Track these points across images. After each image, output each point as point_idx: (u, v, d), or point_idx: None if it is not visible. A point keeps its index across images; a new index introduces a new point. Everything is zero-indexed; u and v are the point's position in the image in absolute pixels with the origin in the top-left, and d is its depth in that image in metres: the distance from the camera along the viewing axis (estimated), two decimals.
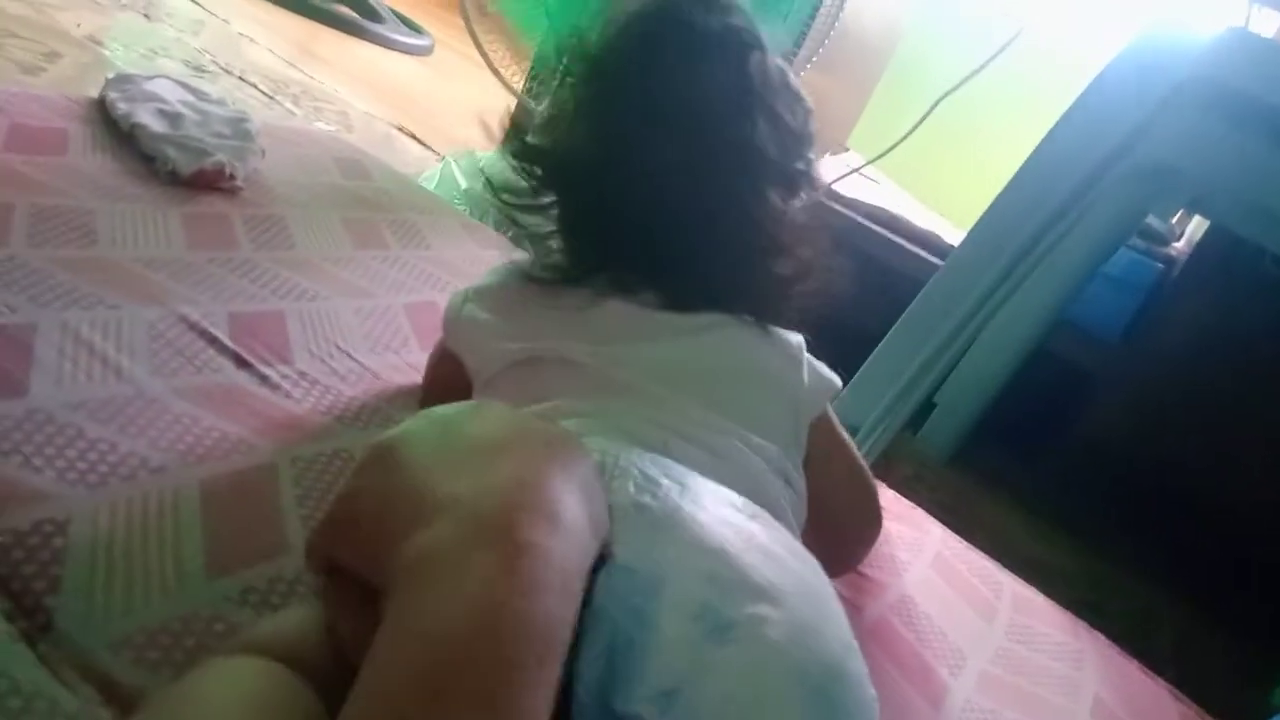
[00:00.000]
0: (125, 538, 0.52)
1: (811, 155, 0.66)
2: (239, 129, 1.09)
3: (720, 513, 0.49)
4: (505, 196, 0.66)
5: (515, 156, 0.64)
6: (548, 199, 0.65)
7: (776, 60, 0.65)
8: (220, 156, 1.00)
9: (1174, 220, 1.68)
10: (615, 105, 0.61)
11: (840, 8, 1.48)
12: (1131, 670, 0.97)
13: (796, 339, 0.66)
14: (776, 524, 0.52)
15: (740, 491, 0.53)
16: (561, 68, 0.66)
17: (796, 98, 0.65)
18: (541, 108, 0.66)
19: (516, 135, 0.65)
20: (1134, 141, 1.02)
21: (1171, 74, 0.98)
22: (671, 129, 0.60)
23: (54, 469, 0.54)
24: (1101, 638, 1.00)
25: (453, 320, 0.67)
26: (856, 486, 0.74)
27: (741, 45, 0.63)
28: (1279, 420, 1.49)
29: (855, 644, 0.48)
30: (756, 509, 0.52)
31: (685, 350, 0.61)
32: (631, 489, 0.47)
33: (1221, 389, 1.51)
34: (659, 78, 0.61)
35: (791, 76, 0.65)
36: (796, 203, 0.65)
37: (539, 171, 0.64)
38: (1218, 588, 1.44)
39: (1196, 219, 1.76)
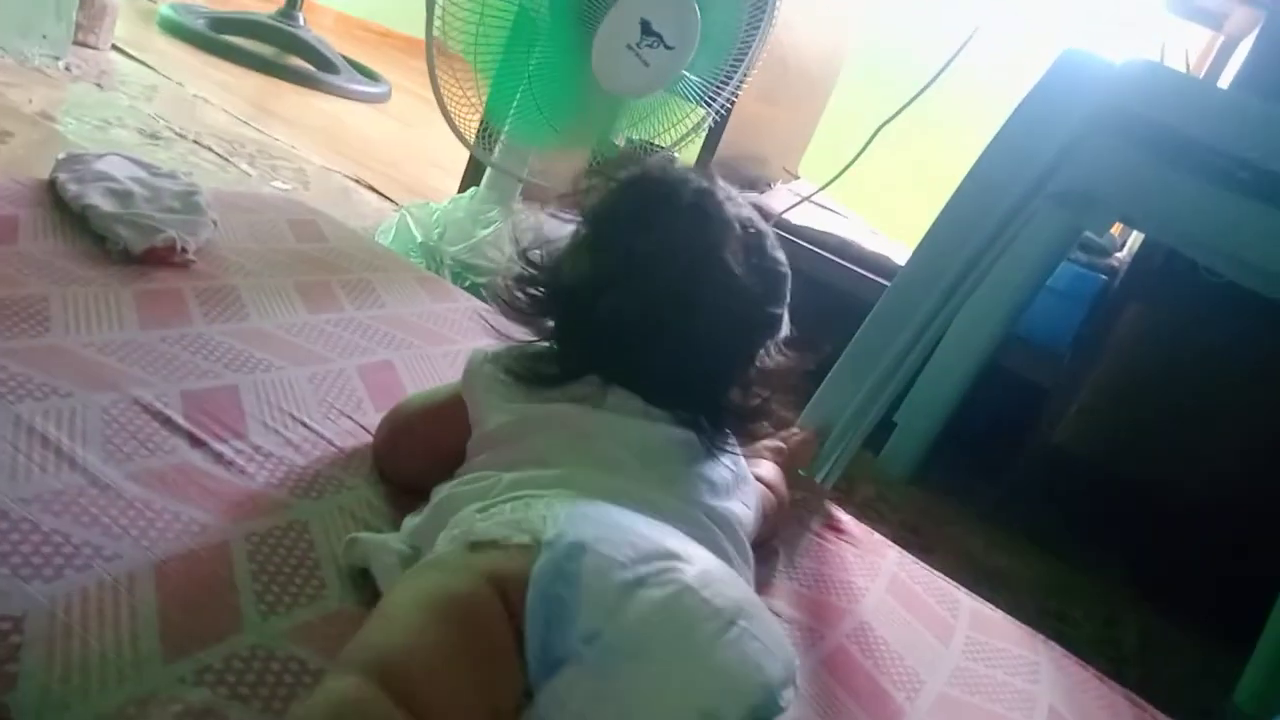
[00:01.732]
0: (81, 628, 0.54)
1: (781, 310, 0.75)
2: (189, 202, 1.11)
3: (637, 516, 0.58)
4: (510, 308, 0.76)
5: (521, 282, 0.75)
6: (544, 316, 0.75)
7: (760, 225, 0.74)
8: (171, 232, 1.02)
9: (1115, 231, 1.73)
10: (615, 251, 0.71)
11: (765, 37, 1.52)
12: (1088, 679, 0.99)
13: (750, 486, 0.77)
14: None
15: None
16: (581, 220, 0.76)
17: (773, 261, 0.74)
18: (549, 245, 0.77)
19: (525, 259, 0.76)
20: (1056, 168, 1.06)
21: (1087, 103, 1.02)
22: (662, 275, 0.69)
23: (8, 565, 0.55)
24: (1059, 649, 1.02)
25: (472, 374, 0.75)
26: (774, 523, 0.91)
27: (726, 211, 0.72)
28: (1230, 420, 1.54)
29: (760, 602, 0.56)
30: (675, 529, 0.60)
31: (669, 441, 0.70)
32: (563, 507, 0.56)
33: (1171, 394, 1.55)
34: (659, 229, 0.71)
35: (769, 240, 0.75)
36: (764, 349, 0.74)
37: (541, 293, 0.74)
38: (1180, 589, 1.48)
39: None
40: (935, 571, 1.08)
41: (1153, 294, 1.53)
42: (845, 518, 1.10)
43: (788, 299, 0.76)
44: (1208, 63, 1.85)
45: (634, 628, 0.48)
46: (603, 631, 0.48)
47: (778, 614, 0.84)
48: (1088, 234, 1.54)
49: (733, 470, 0.74)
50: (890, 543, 1.08)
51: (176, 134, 1.84)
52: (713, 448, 0.72)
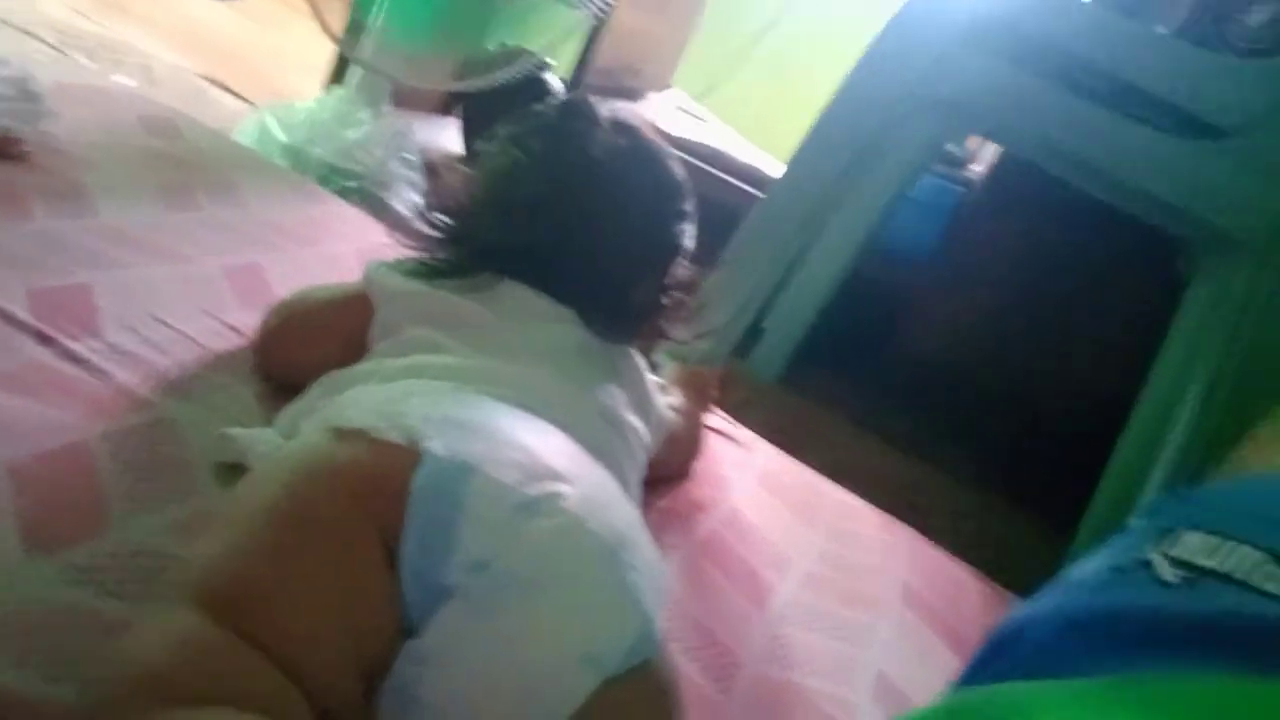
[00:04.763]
0: None
1: (684, 221, 0.78)
2: (23, 89, 1.02)
3: (522, 423, 0.57)
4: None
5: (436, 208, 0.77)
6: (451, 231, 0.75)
7: (663, 145, 0.79)
8: (5, 121, 0.94)
9: (970, 144, 1.81)
10: (536, 160, 0.74)
11: None
12: (939, 557, 1.07)
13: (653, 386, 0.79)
14: (579, 447, 0.59)
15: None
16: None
17: (678, 176, 0.78)
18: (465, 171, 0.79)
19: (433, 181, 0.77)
20: (928, 78, 1.09)
21: (962, 16, 1.06)
22: (580, 181, 0.73)
23: None
24: (913, 532, 1.10)
25: (372, 270, 0.75)
26: (685, 454, 0.93)
27: (634, 129, 0.78)
28: (1071, 324, 1.65)
29: (641, 522, 0.57)
30: (560, 432, 0.59)
31: (569, 338, 0.71)
32: (442, 410, 0.54)
33: (1022, 300, 1.65)
34: (575, 143, 0.74)
35: (673, 158, 0.79)
36: (669, 256, 0.77)
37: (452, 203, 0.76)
38: (1023, 479, 1.60)
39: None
40: (802, 464, 1.13)
41: (1009, 207, 1.61)
42: (718, 415, 1.13)
43: (691, 212, 0.79)
44: None
45: (523, 563, 0.47)
46: (492, 563, 0.46)
47: (653, 505, 0.87)
48: (947, 146, 1.60)
49: (635, 385, 0.76)
50: (761, 439, 1.13)
51: (2, 21, 1.68)
52: (611, 343, 0.74)
